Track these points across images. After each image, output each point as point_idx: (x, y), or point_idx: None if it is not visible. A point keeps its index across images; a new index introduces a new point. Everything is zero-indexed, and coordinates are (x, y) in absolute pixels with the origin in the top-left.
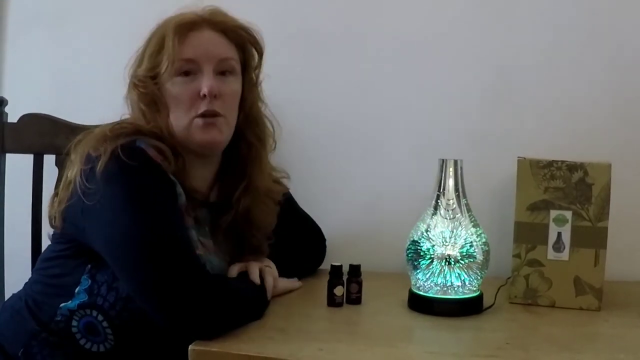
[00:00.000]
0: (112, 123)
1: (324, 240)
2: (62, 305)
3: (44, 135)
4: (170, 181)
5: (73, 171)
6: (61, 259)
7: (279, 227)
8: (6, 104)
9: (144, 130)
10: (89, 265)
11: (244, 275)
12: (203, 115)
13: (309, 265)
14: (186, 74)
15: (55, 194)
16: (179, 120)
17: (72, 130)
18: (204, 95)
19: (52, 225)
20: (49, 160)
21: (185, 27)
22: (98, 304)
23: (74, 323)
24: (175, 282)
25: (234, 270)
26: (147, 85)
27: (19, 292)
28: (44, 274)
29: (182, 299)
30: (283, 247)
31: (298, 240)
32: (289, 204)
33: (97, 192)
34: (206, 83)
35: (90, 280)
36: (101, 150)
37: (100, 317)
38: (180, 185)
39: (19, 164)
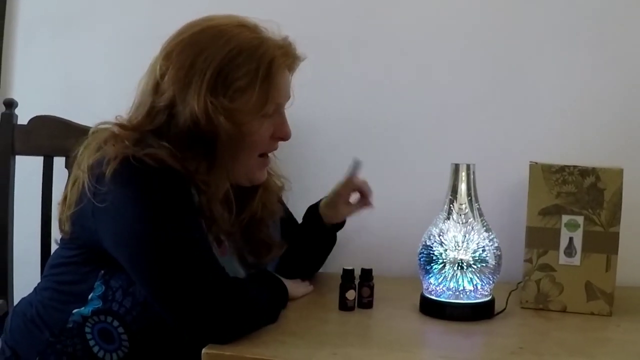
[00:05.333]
0: (137, 145)
1: None
2: (74, 311)
3: (54, 137)
4: (183, 180)
5: (81, 173)
6: (71, 265)
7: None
8: (16, 105)
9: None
10: (102, 271)
11: (262, 275)
12: (264, 155)
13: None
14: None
15: (64, 198)
16: (247, 160)
17: (82, 132)
18: (280, 138)
19: (61, 230)
20: (59, 162)
21: (293, 64)
22: (113, 310)
23: (87, 329)
24: (193, 284)
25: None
26: (247, 121)
27: (29, 296)
28: (53, 280)
29: (199, 302)
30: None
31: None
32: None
33: (108, 193)
34: (287, 129)
35: (104, 286)
36: (111, 154)
37: (115, 323)
38: (206, 215)
39: (29, 166)
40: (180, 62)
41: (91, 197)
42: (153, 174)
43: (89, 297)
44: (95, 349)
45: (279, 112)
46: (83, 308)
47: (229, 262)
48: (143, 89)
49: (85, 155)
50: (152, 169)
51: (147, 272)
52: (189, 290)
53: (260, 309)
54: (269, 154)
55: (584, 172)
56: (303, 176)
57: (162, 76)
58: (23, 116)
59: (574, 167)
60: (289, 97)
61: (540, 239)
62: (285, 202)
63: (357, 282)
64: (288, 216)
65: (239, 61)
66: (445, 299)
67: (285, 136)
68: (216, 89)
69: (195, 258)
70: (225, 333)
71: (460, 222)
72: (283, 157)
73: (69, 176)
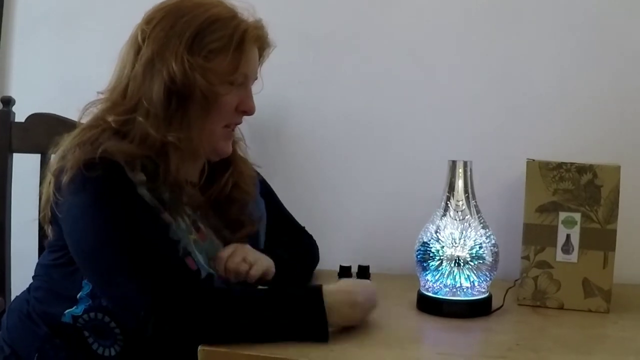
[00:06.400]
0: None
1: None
2: (66, 311)
3: (51, 134)
4: (130, 184)
5: (49, 176)
6: (58, 267)
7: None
8: (14, 103)
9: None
10: None
11: (289, 290)
12: (229, 126)
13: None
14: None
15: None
16: (212, 126)
17: None
18: (244, 112)
19: (44, 228)
20: None
21: (263, 44)
22: (103, 305)
23: (81, 326)
24: (152, 286)
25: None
26: (218, 82)
27: (23, 294)
28: (44, 280)
29: (170, 303)
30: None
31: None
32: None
33: (64, 204)
34: (252, 103)
35: (90, 285)
36: (69, 164)
37: (107, 319)
38: (173, 182)
39: (26, 164)
40: (162, 25)
41: (54, 206)
42: (102, 181)
43: (78, 296)
44: (95, 345)
45: (245, 86)
46: (75, 308)
47: (210, 245)
48: (124, 56)
49: (54, 160)
50: (102, 175)
51: (102, 281)
52: (151, 292)
53: (245, 319)
54: (238, 136)
55: (581, 169)
56: (297, 172)
57: (144, 40)
58: (20, 114)
59: (571, 164)
60: (256, 77)
61: (537, 236)
62: (286, 200)
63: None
64: (281, 221)
65: (216, 27)
66: (443, 295)
67: (249, 110)
68: (192, 48)
69: (150, 258)
70: (193, 332)
71: (457, 219)
72: (283, 154)
73: None
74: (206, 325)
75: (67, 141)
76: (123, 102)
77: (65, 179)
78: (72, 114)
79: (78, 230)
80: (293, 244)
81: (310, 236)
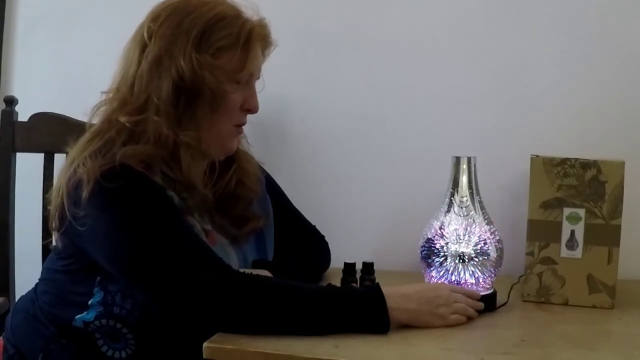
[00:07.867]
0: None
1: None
2: (77, 317)
3: (54, 134)
4: (158, 188)
5: (61, 190)
6: (67, 273)
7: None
8: (17, 103)
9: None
10: (98, 278)
11: (339, 288)
12: (237, 125)
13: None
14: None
15: (52, 201)
16: (220, 125)
17: (82, 129)
18: (248, 110)
19: (50, 230)
20: (60, 159)
21: (266, 43)
22: (115, 313)
23: (92, 329)
24: (196, 279)
25: None
26: (225, 80)
27: (28, 294)
28: (52, 286)
29: (207, 295)
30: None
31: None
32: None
33: (86, 217)
34: (256, 102)
35: (102, 292)
36: (84, 178)
37: (119, 325)
38: (181, 183)
39: (30, 163)
40: (168, 22)
41: (71, 219)
42: (128, 189)
43: (89, 303)
44: (104, 348)
45: (249, 85)
46: (85, 314)
47: (220, 250)
48: (129, 54)
49: (64, 170)
50: (125, 184)
51: (154, 282)
52: (194, 286)
53: (277, 310)
54: (242, 133)
55: (585, 164)
56: (299, 169)
57: (150, 37)
58: (23, 113)
59: (575, 159)
60: (259, 75)
61: (541, 232)
62: (290, 197)
63: (358, 275)
64: (290, 223)
65: (222, 24)
66: None
67: (253, 108)
68: (200, 46)
69: (189, 254)
70: (238, 322)
71: (462, 215)
72: (285, 152)
73: None
74: (266, 317)
75: (75, 150)
76: (131, 100)
77: (85, 193)
78: (75, 113)
79: (117, 243)
80: (304, 253)
81: (323, 238)
